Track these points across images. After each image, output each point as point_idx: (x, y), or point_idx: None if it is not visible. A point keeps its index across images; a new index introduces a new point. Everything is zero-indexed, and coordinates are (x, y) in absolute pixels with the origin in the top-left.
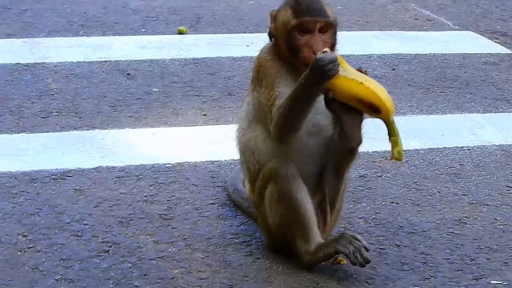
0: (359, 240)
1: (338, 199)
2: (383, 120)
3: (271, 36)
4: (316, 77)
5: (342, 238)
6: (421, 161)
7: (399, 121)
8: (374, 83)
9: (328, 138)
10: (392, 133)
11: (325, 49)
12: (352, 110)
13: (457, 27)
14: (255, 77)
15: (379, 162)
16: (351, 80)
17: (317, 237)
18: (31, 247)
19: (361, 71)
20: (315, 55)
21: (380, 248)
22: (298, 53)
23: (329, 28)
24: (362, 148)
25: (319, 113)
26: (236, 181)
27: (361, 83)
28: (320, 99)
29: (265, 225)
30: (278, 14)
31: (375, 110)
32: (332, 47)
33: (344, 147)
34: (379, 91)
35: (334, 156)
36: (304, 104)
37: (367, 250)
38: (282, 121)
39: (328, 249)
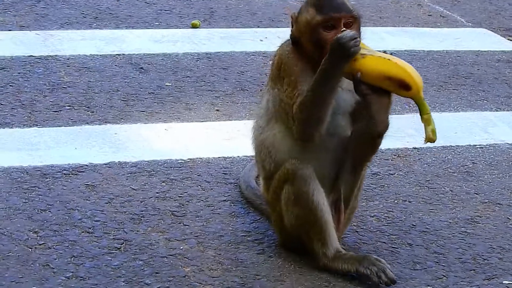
0: (381, 262)
1: (352, 197)
2: (413, 98)
3: (293, 39)
4: (338, 56)
5: (365, 259)
6: (434, 159)
7: (412, 119)
8: (401, 61)
9: (345, 138)
10: (424, 110)
11: (343, 29)
12: (380, 92)
13: (470, 24)
14: (275, 74)
15: (392, 160)
16: (378, 58)
17: (335, 241)
18: (42, 243)
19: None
20: (338, 37)
21: (393, 247)
22: (324, 48)
23: (354, 23)
24: None
25: (336, 114)
26: (249, 178)
27: (389, 59)
28: (339, 98)
29: (278, 224)
30: (300, 15)
31: (405, 87)
32: None
33: (370, 132)
34: (408, 68)
35: (356, 148)
36: (328, 91)
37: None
38: (307, 114)
39: (348, 266)
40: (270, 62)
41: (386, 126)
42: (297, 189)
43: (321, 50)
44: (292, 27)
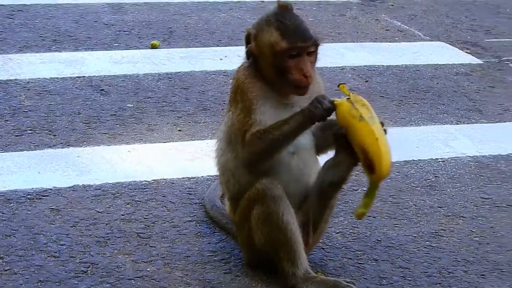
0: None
1: (322, 221)
2: (370, 180)
3: (249, 55)
4: (316, 120)
5: (335, 286)
6: (396, 173)
7: None
8: (386, 145)
9: (307, 155)
10: (370, 194)
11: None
12: (353, 153)
13: (428, 37)
14: (232, 98)
15: (355, 176)
16: (369, 130)
17: (304, 261)
18: (8, 269)
19: (382, 125)
20: (318, 100)
21: (359, 263)
22: (286, 75)
23: (316, 50)
24: None
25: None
26: (214, 198)
27: (377, 139)
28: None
29: (246, 243)
30: (261, 34)
31: (370, 169)
32: (314, 64)
33: (326, 175)
34: (385, 155)
35: (318, 183)
36: (291, 139)
37: None
38: (261, 149)
39: None
40: (231, 81)
41: (341, 180)
42: (267, 209)
43: (280, 75)
44: (249, 43)
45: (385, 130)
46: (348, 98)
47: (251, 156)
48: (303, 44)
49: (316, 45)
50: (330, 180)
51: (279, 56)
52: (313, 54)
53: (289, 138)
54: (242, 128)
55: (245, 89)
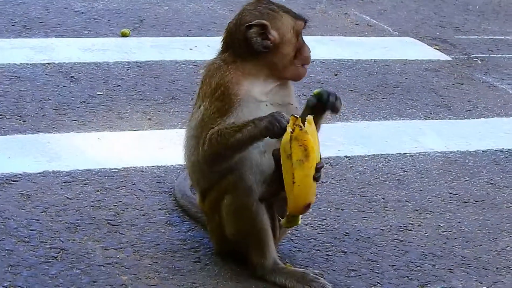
0: (319, 280)
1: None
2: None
3: (265, 48)
4: (277, 133)
5: (303, 277)
6: (365, 167)
7: (343, 127)
8: (305, 187)
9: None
10: (292, 220)
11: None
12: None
13: (397, 33)
14: (208, 93)
15: (324, 168)
16: (291, 172)
17: (273, 252)
18: None
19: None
20: (276, 118)
21: (327, 255)
22: (301, 54)
23: None
24: None
25: None
26: (184, 187)
27: (293, 182)
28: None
29: (216, 232)
30: (278, 22)
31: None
32: None
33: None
34: (298, 198)
35: None
36: (245, 148)
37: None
38: (217, 151)
39: (286, 281)
40: (201, 71)
41: (271, 196)
42: (237, 200)
43: (295, 57)
44: (268, 34)
45: (318, 169)
46: (291, 132)
47: (207, 156)
48: (306, 21)
49: None
50: (261, 195)
51: (299, 36)
52: None
53: (241, 147)
54: (209, 124)
55: (229, 91)
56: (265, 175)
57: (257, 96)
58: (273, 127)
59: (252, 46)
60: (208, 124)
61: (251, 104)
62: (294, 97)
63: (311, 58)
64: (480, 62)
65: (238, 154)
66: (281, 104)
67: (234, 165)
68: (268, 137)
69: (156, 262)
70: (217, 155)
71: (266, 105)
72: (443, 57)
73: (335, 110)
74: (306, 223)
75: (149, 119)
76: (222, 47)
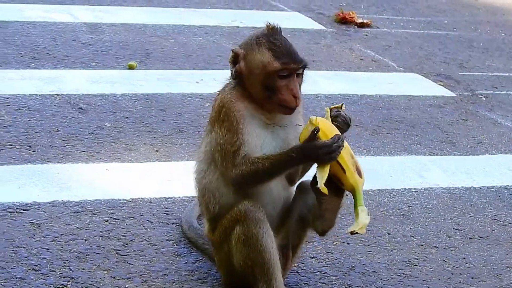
0: None
1: (301, 246)
2: (355, 187)
3: (236, 75)
4: (314, 159)
5: None
6: (370, 201)
7: None
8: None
9: (286, 180)
10: (359, 202)
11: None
12: (334, 193)
13: (401, 68)
14: (215, 117)
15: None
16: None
17: (280, 284)
18: None
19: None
20: (324, 142)
21: None
22: (276, 95)
23: (303, 72)
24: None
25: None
26: (191, 218)
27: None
28: (279, 138)
29: (224, 263)
30: (251, 54)
31: (359, 172)
32: (300, 86)
33: (315, 227)
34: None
35: (298, 210)
36: (284, 171)
37: None
38: (256, 175)
39: None
40: (207, 104)
41: (330, 226)
42: (247, 231)
43: (269, 95)
44: (237, 63)
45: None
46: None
47: (241, 178)
48: (294, 65)
49: (305, 67)
50: (321, 229)
51: (270, 76)
52: (300, 76)
53: (280, 174)
54: (230, 148)
55: (231, 108)
56: (276, 199)
57: (260, 120)
58: (320, 153)
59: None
60: (226, 147)
61: (255, 128)
62: (302, 119)
63: (317, 92)
64: (484, 99)
65: (273, 179)
66: (289, 125)
67: (246, 195)
68: (315, 161)
69: None
70: (250, 178)
71: (273, 126)
72: (448, 93)
73: (345, 126)
74: (312, 256)
75: (157, 151)
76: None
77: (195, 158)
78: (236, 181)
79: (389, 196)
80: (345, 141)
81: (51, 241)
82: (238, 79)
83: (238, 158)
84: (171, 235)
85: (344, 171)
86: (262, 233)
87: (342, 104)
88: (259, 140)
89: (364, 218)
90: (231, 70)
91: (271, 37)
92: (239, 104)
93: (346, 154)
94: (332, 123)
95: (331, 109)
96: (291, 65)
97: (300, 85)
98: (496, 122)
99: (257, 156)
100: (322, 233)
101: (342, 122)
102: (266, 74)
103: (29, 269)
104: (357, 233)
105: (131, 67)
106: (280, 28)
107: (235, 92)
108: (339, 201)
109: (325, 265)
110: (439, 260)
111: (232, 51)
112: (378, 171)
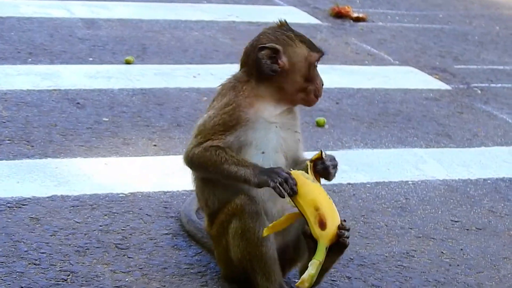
0: None
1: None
2: (319, 239)
3: (273, 72)
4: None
5: None
6: (368, 194)
7: (345, 155)
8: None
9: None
10: (318, 255)
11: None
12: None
13: (397, 62)
14: (218, 105)
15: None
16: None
17: (279, 277)
18: None
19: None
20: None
21: (332, 280)
22: (313, 84)
23: None
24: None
25: (269, 151)
26: (190, 212)
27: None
28: (270, 136)
29: (222, 257)
30: (291, 49)
31: (322, 225)
32: None
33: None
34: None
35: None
36: (230, 181)
37: None
38: (205, 163)
39: None
40: (205, 99)
41: (317, 283)
42: (244, 224)
43: (307, 85)
44: (278, 59)
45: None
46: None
47: (194, 159)
48: (323, 54)
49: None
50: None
51: (311, 66)
52: None
53: (228, 178)
54: (210, 132)
55: (241, 110)
56: (276, 202)
57: (267, 118)
58: (281, 185)
59: (262, 68)
60: (207, 131)
61: (260, 126)
62: (299, 126)
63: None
64: (479, 92)
65: (218, 177)
66: (290, 129)
67: (244, 189)
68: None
69: (164, 286)
70: (200, 164)
71: (276, 126)
72: (443, 86)
73: (326, 174)
74: None
75: (155, 145)
76: (240, 67)
77: None
78: (189, 158)
79: (387, 189)
80: (314, 189)
81: (51, 236)
82: (250, 74)
83: (207, 143)
84: (170, 228)
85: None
86: (259, 227)
87: (321, 152)
88: (258, 140)
89: (306, 272)
90: (265, 67)
91: (291, 31)
92: (251, 108)
93: (308, 206)
94: (316, 172)
95: (313, 161)
96: (322, 53)
97: None
98: (491, 114)
99: (223, 149)
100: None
101: (327, 171)
102: (308, 65)
103: (29, 264)
104: (298, 287)
105: (128, 62)
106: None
107: (250, 90)
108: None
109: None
110: (436, 252)
111: (269, 48)
112: (375, 164)
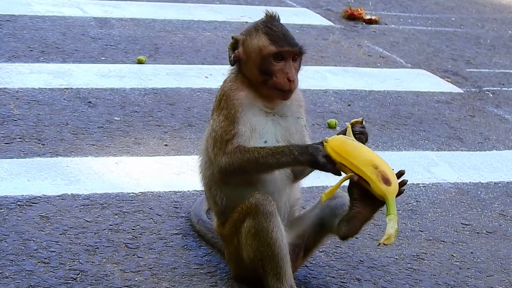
0: None
1: (314, 250)
2: (387, 196)
3: (235, 61)
4: (311, 165)
5: None
6: None
7: None
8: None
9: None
10: (390, 210)
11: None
12: (368, 202)
13: (409, 65)
14: (216, 105)
15: None
16: (367, 149)
17: (290, 278)
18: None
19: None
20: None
21: (342, 282)
22: (271, 78)
23: (299, 57)
24: (321, 182)
25: (277, 141)
26: (200, 212)
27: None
28: (279, 126)
29: (233, 256)
30: (249, 39)
31: (386, 181)
32: (297, 72)
33: (337, 232)
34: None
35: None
36: (278, 167)
37: None
38: (243, 164)
39: None
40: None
41: (354, 233)
42: (258, 224)
43: (265, 78)
44: (237, 49)
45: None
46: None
47: (230, 166)
48: (289, 48)
49: (301, 52)
50: (343, 233)
51: (267, 59)
52: (297, 61)
53: (270, 170)
54: (224, 136)
55: (230, 96)
56: (280, 188)
57: (261, 107)
58: (315, 161)
59: (228, 58)
60: (220, 134)
61: (256, 112)
62: (303, 111)
63: (325, 88)
64: (491, 95)
65: (261, 173)
66: (289, 115)
67: (258, 188)
68: (314, 167)
69: (174, 286)
70: (239, 168)
71: (274, 115)
72: (455, 89)
73: (360, 139)
74: (321, 250)
75: (166, 145)
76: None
77: (198, 151)
78: (224, 168)
79: None
80: (369, 149)
81: (61, 234)
82: (237, 65)
83: (230, 146)
84: (180, 228)
85: (368, 184)
86: (273, 227)
87: (362, 119)
88: (259, 128)
89: (389, 228)
90: (229, 57)
91: (269, 23)
92: (239, 92)
93: (366, 166)
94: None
95: (353, 125)
96: (286, 48)
97: (297, 70)
98: (503, 118)
99: (255, 146)
100: (344, 237)
101: (365, 136)
102: (262, 58)
103: (39, 262)
104: (384, 244)
105: (140, 62)
106: (278, 15)
107: (236, 80)
108: (370, 213)
109: (334, 259)
110: (447, 255)
111: (232, 38)
112: None
